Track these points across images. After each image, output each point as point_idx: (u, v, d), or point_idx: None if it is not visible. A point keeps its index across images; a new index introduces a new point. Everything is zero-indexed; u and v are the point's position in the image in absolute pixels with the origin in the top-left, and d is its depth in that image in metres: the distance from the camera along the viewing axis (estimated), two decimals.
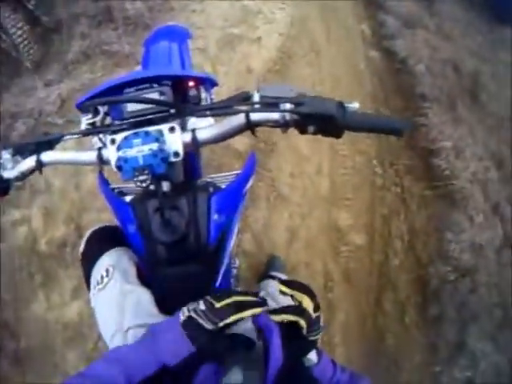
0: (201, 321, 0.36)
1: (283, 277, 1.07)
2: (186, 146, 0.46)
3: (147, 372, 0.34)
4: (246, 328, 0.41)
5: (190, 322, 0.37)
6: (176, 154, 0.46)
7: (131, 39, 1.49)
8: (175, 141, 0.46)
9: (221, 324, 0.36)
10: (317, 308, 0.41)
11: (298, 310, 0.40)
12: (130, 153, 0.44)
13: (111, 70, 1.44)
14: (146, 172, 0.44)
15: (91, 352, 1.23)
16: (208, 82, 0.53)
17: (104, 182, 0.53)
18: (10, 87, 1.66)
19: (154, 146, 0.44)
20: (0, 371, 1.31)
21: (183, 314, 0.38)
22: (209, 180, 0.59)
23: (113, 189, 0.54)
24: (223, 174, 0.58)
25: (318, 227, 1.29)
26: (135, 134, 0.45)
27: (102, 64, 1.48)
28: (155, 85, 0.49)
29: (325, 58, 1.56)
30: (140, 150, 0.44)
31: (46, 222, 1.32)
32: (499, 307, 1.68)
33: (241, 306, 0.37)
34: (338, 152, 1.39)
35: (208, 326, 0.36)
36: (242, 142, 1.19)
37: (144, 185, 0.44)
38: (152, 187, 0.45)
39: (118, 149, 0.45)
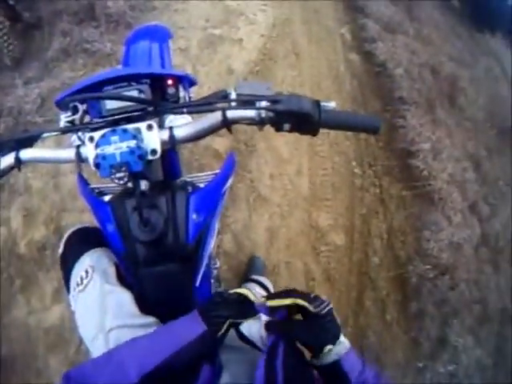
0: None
1: (263, 280, 1.08)
2: (163, 143, 0.47)
3: (157, 361, 0.35)
4: (253, 332, 0.43)
5: (207, 310, 0.40)
6: (153, 152, 0.46)
7: (113, 37, 1.47)
8: (153, 138, 0.46)
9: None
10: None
11: (289, 293, 0.41)
12: (108, 150, 0.45)
13: (92, 69, 1.42)
14: (124, 169, 0.44)
15: (74, 356, 1.20)
16: (186, 81, 0.53)
17: (83, 183, 0.53)
18: None
19: (132, 143, 0.45)
20: None
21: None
22: (187, 179, 0.60)
23: (92, 189, 0.54)
24: (202, 174, 0.58)
25: (298, 227, 1.31)
26: (113, 131, 0.45)
27: (83, 62, 1.46)
28: (134, 83, 0.49)
29: (305, 60, 1.59)
30: (118, 147, 0.45)
31: (26, 223, 1.29)
32: (479, 303, 1.74)
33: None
34: (318, 153, 1.41)
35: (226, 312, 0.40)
36: (222, 144, 1.20)
37: (121, 182, 0.44)
38: (130, 185, 0.45)
39: (96, 146, 0.45)
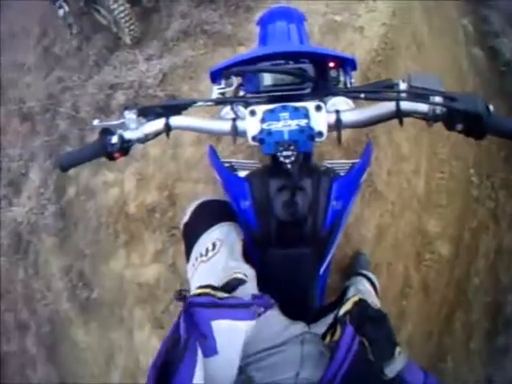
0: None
1: (371, 276, 1.04)
2: (329, 127, 0.45)
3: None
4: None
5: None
6: (320, 134, 0.44)
7: (233, 20, 1.51)
8: (321, 120, 0.44)
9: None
10: None
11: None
12: (276, 126, 0.43)
13: (213, 49, 1.47)
14: (292, 148, 0.43)
15: (160, 314, 1.25)
16: (349, 64, 0.50)
17: (215, 156, 0.52)
18: (110, 60, 1.77)
19: (303, 122, 0.43)
20: (66, 315, 1.43)
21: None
22: (328, 166, 0.58)
23: (223, 162, 0.53)
24: (340, 161, 0.57)
25: (406, 230, 1.23)
26: (283, 107, 0.44)
27: (203, 42, 1.52)
28: (291, 62, 0.48)
29: (427, 51, 1.47)
30: (287, 125, 0.43)
31: (139, 186, 1.37)
32: None
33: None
34: (437, 155, 1.31)
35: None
36: (343, 132, 1.16)
37: (287, 161, 0.43)
38: (289, 164, 0.43)
39: (263, 121, 0.44)
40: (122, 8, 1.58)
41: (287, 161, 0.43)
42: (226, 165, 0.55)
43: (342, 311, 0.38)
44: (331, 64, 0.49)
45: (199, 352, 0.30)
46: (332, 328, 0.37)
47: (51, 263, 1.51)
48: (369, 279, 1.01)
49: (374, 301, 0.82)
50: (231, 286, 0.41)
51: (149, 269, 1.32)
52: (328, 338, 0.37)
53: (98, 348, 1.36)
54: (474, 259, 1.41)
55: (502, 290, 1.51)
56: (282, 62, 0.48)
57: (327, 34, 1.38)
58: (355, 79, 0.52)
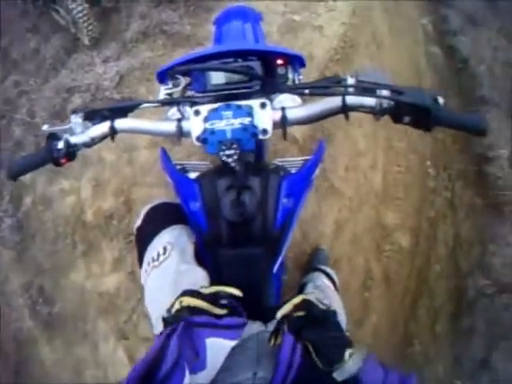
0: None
1: (329, 270, 1.06)
2: (274, 123, 0.45)
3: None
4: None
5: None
6: (264, 132, 0.44)
7: (192, 20, 1.49)
8: (265, 118, 0.44)
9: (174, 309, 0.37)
10: None
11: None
12: (219, 125, 0.43)
13: (172, 50, 1.45)
14: (235, 146, 0.42)
15: (123, 325, 1.24)
16: (297, 62, 0.51)
17: (166, 157, 0.52)
18: (68, 62, 1.71)
19: (246, 120, 0.43)
20: (29, 333, 1.36)
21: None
22: (278, 164, 0.58)
23: (175, 165, 0.52)
24: (291, 159, 0.57)
25: (365, 223, 1.27)
26: (227, 106, 0.43)
27: (162, 43, 1.49)
28: (240, 59, 0.47)
29: (386, 50, 1.51)
30: (230, 124, 0.43)
31: (95, 193, 1.34)
32: None
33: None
34: (394, 149, 1.35)
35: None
36: (299, 130, 1.18)
37: (230, 160, 0.43)
38: (232, 163, 0.43)
39: (205, 120, 0.44)
40: (80, 8, 1.53)
41: (230, 160, 0.43)
42: (178, 167, 0.54)
43: (279, 314, 0.38)
44: (279, 61, 0.49)
45: (187, 370, 0.30)
46: (275, 331, 0.37)
47: (11, 279, 1.45)
48: (327, 274, 1.02)
49: (332, 295, 0.83)
50: (219, 297, 0.40)
51: (109, 278, 1.31)
52: (272, 341, 0.37)
53: (65, 365, 1.32)
54: (433, 248, 1.47)
55: (462, 275, 1.59)
56: (231, 60, 0.47)
57: (286, 33, 1.38)
58: (313, 77, 0.52)
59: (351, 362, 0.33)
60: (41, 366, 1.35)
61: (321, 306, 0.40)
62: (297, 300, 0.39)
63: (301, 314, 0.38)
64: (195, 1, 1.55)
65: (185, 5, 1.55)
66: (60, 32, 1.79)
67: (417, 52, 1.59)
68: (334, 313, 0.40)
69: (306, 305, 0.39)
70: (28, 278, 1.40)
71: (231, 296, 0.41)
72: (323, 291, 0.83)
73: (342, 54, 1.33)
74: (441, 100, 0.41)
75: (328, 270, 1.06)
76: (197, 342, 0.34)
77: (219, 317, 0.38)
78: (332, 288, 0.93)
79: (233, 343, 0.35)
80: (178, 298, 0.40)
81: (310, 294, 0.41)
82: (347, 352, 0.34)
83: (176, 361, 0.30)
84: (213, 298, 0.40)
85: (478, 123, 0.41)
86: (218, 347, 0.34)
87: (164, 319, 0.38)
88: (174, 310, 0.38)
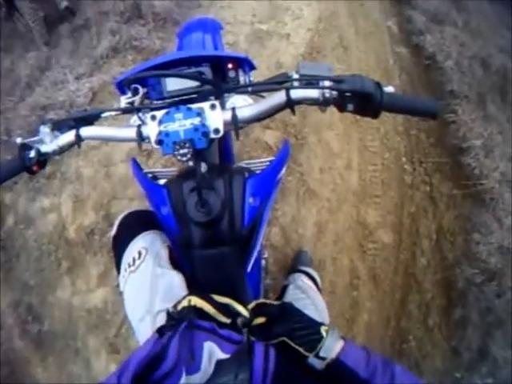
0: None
1: (311, 271, 1.05)
2: (226, 124, 0.47)
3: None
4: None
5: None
6: (216, 131, 0.46)
7: (161, 35, 1.52)
8: (216, 118, 0.46)
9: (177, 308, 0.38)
10: None
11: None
12: (172, 127, 0.45)
13: (138, 66, 1.46)
14: (188, 145, 0.44)
15: (113, 339, 1.24)
16: (246, 65, 0.53)
17: (137, 167, 0.54)
18: (41, 80, 1.71)
19: (196, 120, 0.45)
20: (21, 353, 1.35)
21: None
22: (243, 165, 0.59)
23: (146, 173, 0.54)
24: (257, 161, 0.58)
25: (345, 223, 1.27)
26: (177, 108, 0.46)
27: (132, 58, 1.51)
28: (193, 66, 0.50)
29: (353, 53, 1.55)
30: (182, 125, 0.45)
31: (76, 209, 1.35)
32: None
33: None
34: (368, 148, 1.37)
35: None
36: (272, 136, 1.19)
37: (184, 159, 0.45)
38: (190, 164, 0.45)
39: (160, 123, 0.46)
40: (35, 16, 1.63)
41: (184, 159, 0.45)
42: (150, 175, 0.56)
43: (239, 321, 0.38)
44: (229, 65, 0.52)
45: (183, 371, 0.31)
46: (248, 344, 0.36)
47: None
48: (308, 274, 1.01)
49: (314, 295, 0.83)
50: (227, 309, 0.41)
51: (95, 294, 1.31)
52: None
53: (59, 383, 1.30)
54: (417, 242, 1.48)
55: (449, 266, 1.59)
56: (185, 67, 0.50)
57: (253, 42, 1.41)
58: None
59: (330, 337, 0.34)
60: None
61: (275, 303, 0.41)
62: (251, 305, 0.40)
63: (261, 320, 0.39)
64: (164, 15, 1.57)
65: (153, 19, 1.57)
66: (33, 50, 1.80)
67: (384, 53, 1.64)
68: (290, 304, 0.41)
69: (261, 306, 0.40)
70: (15, 297, 1.39)
71: (238, 314, 0.41)
72: (305, 291, 0.82)
73: (309, 59, 1.36)
74: (390, 88, 0.42)
75: (309, 270, 1.06)
76: (195, 344, 0.34)
77: (222, 325, 0.38)
78: (314, 288, 0.92)
79: (226, 356, 0.35)
80: (186, 296, 0.40)
81: (262, 299, 0.42)
82: (322, 329, 0.35)
83: (176, 362, 0.31)
84: (222, 306, 0.40)
85: (430, 106, 0.42)
86: (214, 352, 0.35)
87: (168, 314, 0.39)
88: (180, 307, 0.39)
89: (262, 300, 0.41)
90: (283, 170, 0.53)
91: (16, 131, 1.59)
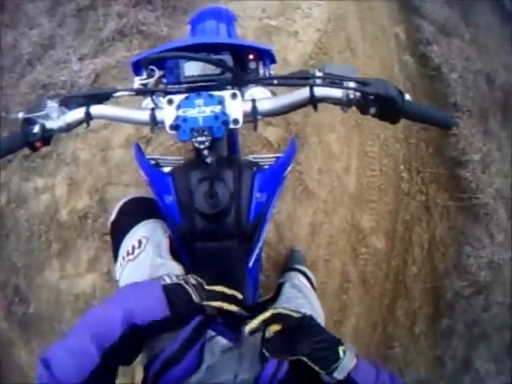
0: (190, 291, 0.37)
1: (306, 270, 1.06)
2: (245, 115, 0.46)
3: (115, 335, 0.33)
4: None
5: (175, 288, 0.37)
6: (235, 122, 0.45)
7: (169, 22, 1.49)
8: (236, 108, 0.45)
9: (205, 303, 0.37)
10: None
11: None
12: (191, 113, 0.44)
13: (148, 50, 1.44)
14: (206, 133, 0.43)
15: None
16: (268, 57, 0.52)
17: (140, 153, 0.52)
18: (44, 59, 1.68)
19: (217, 108, 0.44)
20: (7, 334, 1.33)
21: (169, 278, 0.38)
22: (251, 159, 0.59)
23: (148, 159, 0.53)
24: (264, 156, 0.57)
25: (340, 226, 1.28)
26: (198, 94, 0.44)
27: (138, 43, 1.49)
28: (212, 54, 0.49)
29: (360, 57, 1.55)
30: (201, 111, 0.44)
31: (70, 192, 1.32)
32: (510, 329, 1.64)
33: (226, 299, 0.38)
34: (367, 153, 1.37)
35: (196, 298, 0.37)
36: (273, 133, 1.19)
37: (202, 146, 0.44)
38: (205, 153, 0.44)
39: (178, 108, 0.44)
40: None
41: (202, 146, 0.44)
42: (152, 162, 0.54)
43: (247, 328, 0.36)
44: (250, 56, 0.51)
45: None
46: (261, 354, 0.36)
47: None
48: (303, 273, 1.01)
49: (309, 294, 0.83)
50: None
51: (84, 278, 1.28)
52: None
53: None
54: (409, 250, 1.49)
55: (439, 276, 1.61)
56: (205, 54, 0.48)
57: (261, 37, 1.40)
58: None
59: (346, 358, 0.34)
60: (18, 368, 1.31)
61: (295, 315, 0.38)
62: (266, 315, 0.38)
63: (277, 328, 0.37)
64: (173, 2, 1.56)
65: (162, 6, 1.55)
66: (36, 28, 1.76)
67: (390, 59, 1.64)
68: (311, 317, 0.39)
69: (277, 318, 0.38)
70: (2, 277, 1.36)
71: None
72: (301, 290, 0.82)
73: (316, 59, 1.36)
74: (407, 96, 0.42)
75: (304, 269, 1.06)
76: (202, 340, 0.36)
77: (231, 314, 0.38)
78: (309, 286, 0.92)
79: (228, 343, 0.36)
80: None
81: (278, 308, 0.40)
82: (340, 350, 0.35)
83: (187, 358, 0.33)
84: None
85: (447, 117, 0.43)
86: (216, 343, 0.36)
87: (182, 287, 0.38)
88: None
89: (279, 310, 0.38)
90: (289, 168, 0.53)
91: (15, 108, 1.55)
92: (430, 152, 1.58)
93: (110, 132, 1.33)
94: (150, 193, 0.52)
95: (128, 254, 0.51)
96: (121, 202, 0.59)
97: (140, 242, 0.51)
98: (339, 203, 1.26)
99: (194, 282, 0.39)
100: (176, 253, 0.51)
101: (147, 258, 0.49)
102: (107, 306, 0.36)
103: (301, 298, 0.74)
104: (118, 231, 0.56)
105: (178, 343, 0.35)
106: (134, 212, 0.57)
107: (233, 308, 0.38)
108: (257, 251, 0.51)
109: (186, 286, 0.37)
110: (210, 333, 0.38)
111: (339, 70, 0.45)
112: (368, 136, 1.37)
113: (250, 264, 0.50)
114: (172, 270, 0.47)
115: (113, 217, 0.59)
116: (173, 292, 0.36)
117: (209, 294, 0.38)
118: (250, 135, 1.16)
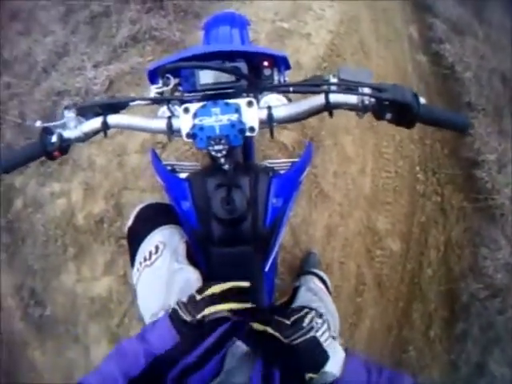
0: (181, 313, 0.38)
1: (322, 273, 1.05)
2: (260, 122, 0.46)
3: (140, 365, 0.35)
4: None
5: (174, 315, 0.38)
6: (252, 129, 0.45)
7: (181, 26, 1.51)
8: (252, 115, 0.45)
9: (198, 316, 0.37)
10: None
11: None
12: (208, 121, 0.44)
13: (160, 55, 1.46)
14: (223, 142, 0.43)
15: (115, 328, 1.23)
16: (282, 64, 0.52)
17: (157, 158, 0.53)
18: (58, 66, 1.71)
19: (234, 116, 0.44)
20: (21, 336, 1.35)
21: (173, 305, 0.40)
22: (267, 164, 0.59)
23: (165, 165, 0.54)
24: (280, 161, 0.57)
25: (355, 228, 1.27)
26: (214, 103, 0.45)
27: (151, 49, 1.50)
28: (227, 61, 0.49)
29: (373, 58, 1.53)
30: (218, 120, 0.44)
31: (86, 197, 1.34)
32: None
33: (220, 299, 0.39)
34: (383, 155, 1.36)
35: (187, 317, 0.38)
36: (288, 136, 1.18)
37: (219, 155, 0.44)
38: (222, 161, 0.44)
39: (195, 117, 0.45)
40: None
41: (219, 155, 0.44)
42: (168, 167, 0.55)
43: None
44: (265, 63, 0.51)
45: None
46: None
47: (2, 281, 1.43)
48: (319, 277, 1.01)
49: (325, 298, 0.82)
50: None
51: (100, 282, 1.30)
52: None
53: (56, 368, 1.30)
54: (425, 253, 1.47)
55: (454, 279, 1.58)
56: (219, 61, 0.49)
57: (274, 40, 1.40)
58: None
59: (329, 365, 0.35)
60: (32, 368, 1.33)
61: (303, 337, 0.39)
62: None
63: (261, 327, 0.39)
64: (185, 7, 1.57)
65: (174, 11, 1.56)
66: (51, 35, 1.80)
67: (403, 60, 1.62)
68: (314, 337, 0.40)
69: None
70: (19, 280, 1.38)
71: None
72: (316, 294, 0.83)
73: (329, 61, 1.35)
74: (422, 100, 0.41)
75: (320, 273, 1.05)
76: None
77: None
78: (325, 290, 0.93)
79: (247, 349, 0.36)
80: (206, 286, 0.41)
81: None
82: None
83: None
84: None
85: (462, 120, 0.42)
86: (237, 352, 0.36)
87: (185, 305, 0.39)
88: (205, 294, 0.40)
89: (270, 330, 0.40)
90: (305, 173, 0.53)
91: (30, 115, 1.59)
92: (446, 153, 1.56)
93: (126, 137, 1.35)
94: (166, 198, 0.53)
95: (145, 259, 0.51)
96: (137, 208, 0.60)
97: (157, 248, 0.51)
98: (354, 206, 1.25)
99: (184, 300, 0.40)
100: (193, 258, 0.51)
101: (164, 264, 0.49)
102: (133, 339, 0.38)
103: (316, 301, 0.74)
104: (135, 237, 0.56)
105: (201, 351, 0.36)
106: (151, 218, 0.58)
107: (229, 306, 0.39)
108: (273, 255, 0.51)
109: (177, 308, 0.39)
110: (234, 339, 0.38)
111: (354, 73, 0.45)
112: (383, 138, 1.36)
113: (267, 268, 0.50)
114: (190, 275, 0.48)
115: (130, 223, 0.59)
116: (175, 318, 0.38)
117: (204, 301, 0.39)
118: (265, 139, 1.17)
